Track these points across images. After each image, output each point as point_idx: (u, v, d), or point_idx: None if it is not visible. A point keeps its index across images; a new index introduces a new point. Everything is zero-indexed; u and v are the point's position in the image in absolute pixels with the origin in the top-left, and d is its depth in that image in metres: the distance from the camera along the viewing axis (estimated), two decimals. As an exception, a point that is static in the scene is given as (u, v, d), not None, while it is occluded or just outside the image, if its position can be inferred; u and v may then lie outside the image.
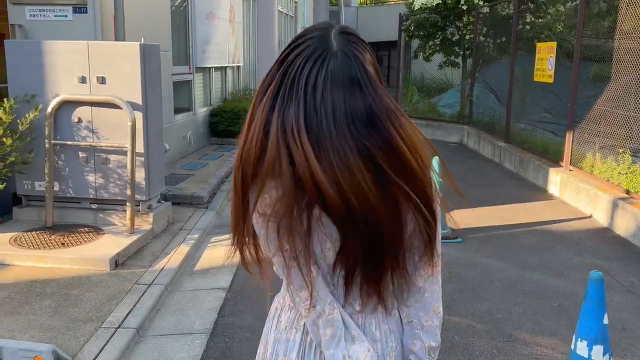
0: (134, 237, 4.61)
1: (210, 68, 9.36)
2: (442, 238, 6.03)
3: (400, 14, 12.36)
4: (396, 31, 28.44)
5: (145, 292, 3.80)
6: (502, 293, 3.92)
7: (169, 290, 3.95)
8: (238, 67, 11.22)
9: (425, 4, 10.83)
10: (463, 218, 5.65)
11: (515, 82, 11.46)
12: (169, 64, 7.45)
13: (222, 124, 9.19)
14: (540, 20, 10.13)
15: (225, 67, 10.28)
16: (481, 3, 10.28)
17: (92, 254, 4.25)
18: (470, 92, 10.75)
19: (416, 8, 11.07)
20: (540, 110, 10.01)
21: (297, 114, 1.01)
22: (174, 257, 4.46)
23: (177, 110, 8.00)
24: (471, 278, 4.16)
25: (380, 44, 30.07)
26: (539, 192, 6.79)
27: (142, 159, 4.83)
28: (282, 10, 14.66)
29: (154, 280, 4.00)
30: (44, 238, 4.52)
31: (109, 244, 4.44)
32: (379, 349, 1.19)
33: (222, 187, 6.66)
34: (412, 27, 11.60)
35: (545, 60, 7.14)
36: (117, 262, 4.25)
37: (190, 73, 8.43)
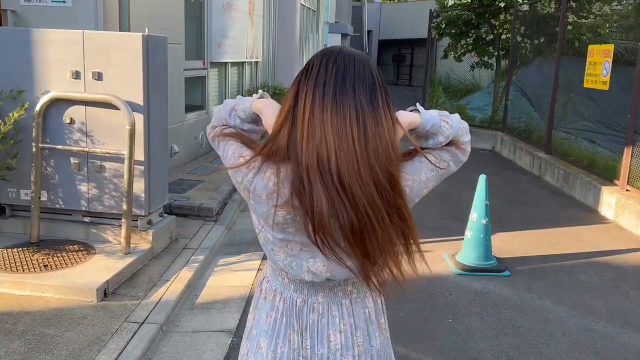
0: (129, 259, 3.98)
1: (226, 63, 8.72)
2: (488, 270, 4.85)
3: (430, 10, 11.60)
4: (420, 28, 27.65)
5: (135, 333, 3.16)
6: (569, 351, 3.20)
7: (164, 331, 3.30)
8: (256, 62, 10.56)
9: (460, 0, 10.06)
10: (506, 244, 4.93)
11: (550, 87, 10.67)
12: (181, 58, 6.82)
13: (237, 124, 8.54)
14: (583, 20, 9.31)
15: (243, 63, 9.63)
16: (520, 0, 9.48)
17: (78, 280, 3.62)
18: (505, 96, 9.97)
19: (449, 4, 10.30)
20: (582, 119, 9.21)
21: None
22: (174, 286, 3.81)
23: (189, 109, 7.37)
24: (528, 328, 3.45)
25: (403, 42, 29.24)
26: (590, 214, 6.03)
27: (142, 168, 4.18)
28: (304, 3, 13.98)
29: (147, 317, 3.35)
30: (25, 257, 3.90)
31: (99, 268, 3.81)
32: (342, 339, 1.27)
33: (234, 196, 6.01)
34: (444, 25, 10.84)
35: (599, 65, 6.36)
36: (107, 291, 3.62)
37: (205, 68, 7.79)
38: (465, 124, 1.38)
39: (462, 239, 4.94)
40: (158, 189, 4.44)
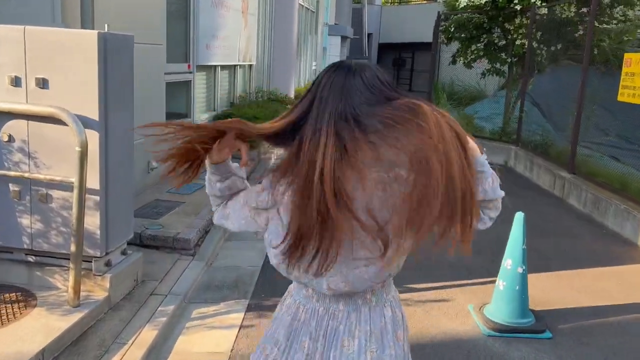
0: (77, 315, 3.15)
1: (215, 66, 7.90)
2: (525, 331, 3.60)
3: (439, 12, 10.82)
4: (422, 32, 26.90)
5: None
6: None
7: None
8: (250, 66, 9.75)
9: (473, 2, 9.28)
10: (541, 290, 4.13)
11: (568, 97, 9.90)
12: (162, 61, 6.00)
13: (227, 134, 7.71)
14: (605, 25, 8.54)
15: (235, 66, 8.81)
16: (539, 3, 8.71)
17: (4, 348, 2.80)
18: (520, 107, 9.18)
19: (461, 6, 9.52)
20: (602, 134, 8.44)
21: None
22: (132, 353, 2.99)
23: (171, 117, 6.54)
24: None
25: (404, 45, 28.48)
26: (630, 249, 5.23)
27: (97, 198, 3.36)
28: (302, 3, 13.19)
29: (88, 406, 2.53)
30: (-57, 313, 3.08)
31: (36, 328, 2.98)
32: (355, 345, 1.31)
33: (218, 223, 5.19)
34: (453, 28, 10.06)
35: (637, 76, 5.57)
36: (41, 364, 2.79)
37: (190, 72, 6.97)
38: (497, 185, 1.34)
39: (488, 282, 4.15)
40: (119, 223, 3.62)
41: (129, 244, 3.97)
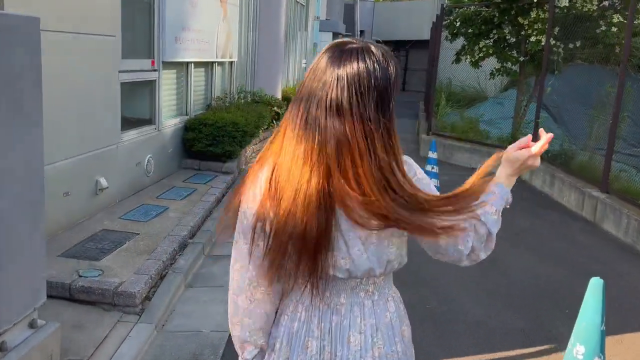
0: None
1: (187, 63, 6.77)
2: None
3: (442, 5, 9.77)
4: (416, 29, 25.94)
5: None
6: None
7: None
8: (231, 63, 8.63)
9: (483, -7, 8.24)
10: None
11: (587, 101, 8.90)
12: (115, 56, 4.88)
13: (200, 142, 6.60)
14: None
15: (212, 63, 7.69)
16: (559, -6, 7.68)
17: None
18: (536, 111, 8.14)
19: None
20: (631, 145, 7.45)
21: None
22: None
23: (128, 124, 5.43)
24: None
25: (398, 43, 27.48)
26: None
27: (-26, 259, 2.24)
28: (291, -5, 12.09)
29: None
30: None
31: None
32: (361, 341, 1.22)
33: (179, 263, 4.08)
34: (458, 23, 9.01)
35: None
36: None
37: (155, 70, 5.84)
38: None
39: (534, 352, 3.10)
40: (20, 288, 2.50)
41: (54, 297, 2.87)
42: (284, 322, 1.26)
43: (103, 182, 4.73)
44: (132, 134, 5.41)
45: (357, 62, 1.09)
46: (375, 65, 1.09)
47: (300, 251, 1.12)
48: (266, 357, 1.28)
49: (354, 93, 1.07)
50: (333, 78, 1.08)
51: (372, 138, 1.08)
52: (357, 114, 1.07)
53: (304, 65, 15.69)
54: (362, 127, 1.07)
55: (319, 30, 14.14)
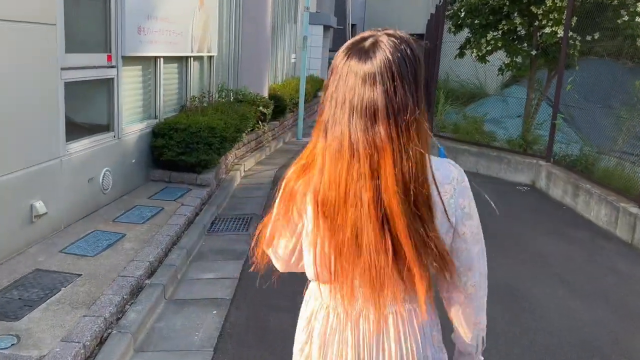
0: None
1: (155, 58, 5.83)
2: None
3: (445, -7, 8.85)
4: (410, 23, 25.09)
5: None
6: None
7: None
8: (210, 58, 7.68)
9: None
10: None
11: (610, 99, 8.05)
12: (54, 50, 3.93)
13: (171, 151, 5.66)
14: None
15: (187, 58, 6.74)
16: (579, -21, 6.80)
17: None
18: (553, 111, 7.27)
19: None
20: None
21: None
22: None
23: (78, 133, 4.49)
24: None
25: (391, 38, 26.59)
26: None
27: None
28: (279, -16, 11.13)
29: None
30: None
31: None
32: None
33: (128, 317, 3.15)
34: (463, 13, 8.12)
35: None
36: None
37: (112, 66, 4.89)
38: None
39: None
40: None
41: None
42: (317, 326, 1.24)
43: (40, 206, 3.80)
44: (82, 144, 4.47)
45: (378, 56, 1.06)
46: (398, 54, 1.05)
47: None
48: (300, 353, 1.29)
49: (389, 89, 1.04)
50: (359, 79, 1.05)
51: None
52: (392, 112, 1.05)
53: (293, 61, 14.74)
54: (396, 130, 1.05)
55: (309, 24, 13.17)
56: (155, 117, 5.94)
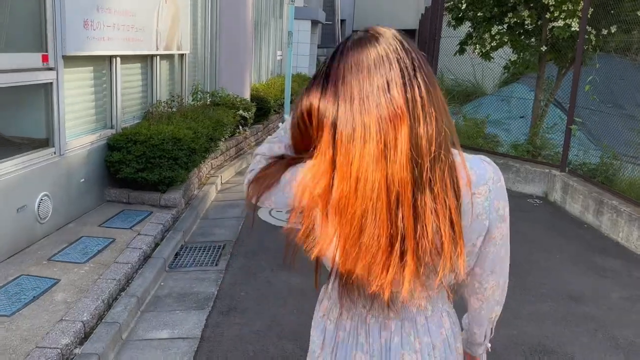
0: None
1: (110, 58, 4.96)
2: None
3: (444, -17, 8.04)
4: (401, 18, 24.37)
5: None
6: None
7: None
8: (182, 56, 6.81)
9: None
10: None
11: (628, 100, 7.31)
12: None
13: (129, 167, 4.80)
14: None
15: (152, 57, 5.87)
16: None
17: None
18: (569, 113, 6.47)
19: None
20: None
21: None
22: None
23: (4, 151, 3.61)
24: None
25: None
26: None
27: None
28: (261, -25, 10.27)
29: None
30: None
31: None
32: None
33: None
34: (464, 5, 7.31)
35: None
36: None
37: (51, 68, 4.02)
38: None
39: None
40: None
41: None
42: (329, 327, 1.20)
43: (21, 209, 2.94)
44: (10, 166, 3.60)
45: (382, 41, 1.01)
46: (399, 38, 1.02)
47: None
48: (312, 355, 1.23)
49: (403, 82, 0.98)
50: (371, 64, 0.99)
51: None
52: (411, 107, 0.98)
53: (279, 58, 13.87)
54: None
55: (295, 18, 12.29)
56: (112, 127, 5.07)
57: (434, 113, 0.97)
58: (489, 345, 1.29)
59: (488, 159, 1.08)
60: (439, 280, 1.02)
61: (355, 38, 1.01)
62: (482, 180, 1.04)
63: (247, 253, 4.40)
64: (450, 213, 0.97)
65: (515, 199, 6.46)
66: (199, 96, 7.21)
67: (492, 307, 1.20)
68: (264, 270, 4.08)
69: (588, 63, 6.89)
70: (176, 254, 4.36)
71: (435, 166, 0.96)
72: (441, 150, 0.97)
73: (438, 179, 0.96)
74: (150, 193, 4.96)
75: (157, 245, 4.27)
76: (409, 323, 1.12)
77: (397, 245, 0.96)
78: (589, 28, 6.51)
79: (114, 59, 4.97)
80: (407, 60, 0.98)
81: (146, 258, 4.00)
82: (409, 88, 0.96)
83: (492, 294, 1.17)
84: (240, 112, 7.66)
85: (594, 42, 6.74)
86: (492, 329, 1.26)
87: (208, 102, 7.35)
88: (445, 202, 0.97)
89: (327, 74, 1.01)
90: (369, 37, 1.00)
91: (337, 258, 1.03)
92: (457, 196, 0.99)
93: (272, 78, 12.53)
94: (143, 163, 4.79)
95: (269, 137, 1.20)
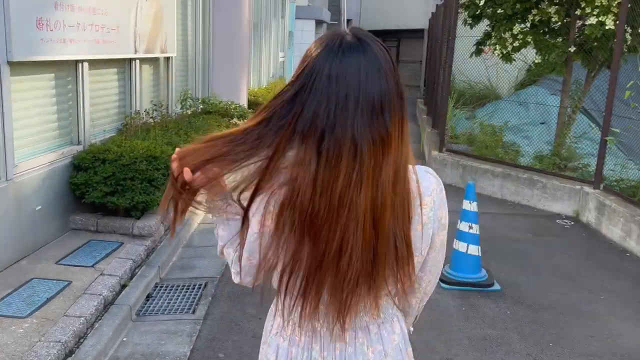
0: None
1: (75, 63, 4.26)
2: None
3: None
4: (409, 18, 23.67)
5: None
6: None
7: None
8: (167, 60, 6.12)
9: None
10: None
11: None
12: None
13: (96, 190, 4.09)
14: None
15: (130, 61, 5.18)
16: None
17: None
18: (604, 124, 5.70)
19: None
20: None
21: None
22: None
23: None
24: None
25: (388, 33, 25.08)
26: None
27: None
28: (260, -29, 9.58)
29: None
30: None
31: None
32: None
33: None
34: (482, 1, 6.57)
35: None
36: None
37: (-8, 77, 3.33)
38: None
39: None
40: None
41: None
42: (282, 344, 1.17)
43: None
44: None
45: (372, 48, 1.03)
46: (381, 45, 1.05)
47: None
48: None
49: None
50: (362, 72, 0.99)
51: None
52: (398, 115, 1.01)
53: (281, 60, 13.19)
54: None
55: (296, 18, 11.65)
56: (79, 143, 4.38)
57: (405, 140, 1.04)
58: (412, 329, 1.32)
59: (430, 169, 1.11)
60: (389, 292, 1.07)
61: (338, 42, 1.02)
62: (427, 192, 1.08)
63: (231, 295, 3.70)
64: (406, 229, 1.02)
65: (543, 219, 5.72)
66: (189, 103, 6.52)
67: (424, 299, 1.25)
68: (250, 319, 3.38)
69: (622, 65, 6.14)
70: (148, 295, 3.67)
71: (396, 187, 1.00)
72: (404, 175, 1.02)
73: (398, 200, 1.00)
74: (123, 220, 4.26)
75: (123, 287, 3.57)
76: (362, 333, 1.14)
77: (371, 267, 1.00)
78: (626, 26, 5.77)
79: (80, 64, 4.28)
80: (396, 74, 1.01)
81: (107, 306, 3.31)
82: (396, 111, 1.00)
83: (425, 288, 1.21)
84: (235, 120, 6.97)
85: (629, 42, 5.99)
86: (417, 316, 1.30)
87: (199, 110, 6.67)
88: (402, 219, 1.01)
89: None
90: (353, 42, 1.02)
91: (298, 278, 1.03)
92: (410, 211, 1.03)
93: (273, 81, 11.83)
94: (112, 185, 4.09)
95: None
